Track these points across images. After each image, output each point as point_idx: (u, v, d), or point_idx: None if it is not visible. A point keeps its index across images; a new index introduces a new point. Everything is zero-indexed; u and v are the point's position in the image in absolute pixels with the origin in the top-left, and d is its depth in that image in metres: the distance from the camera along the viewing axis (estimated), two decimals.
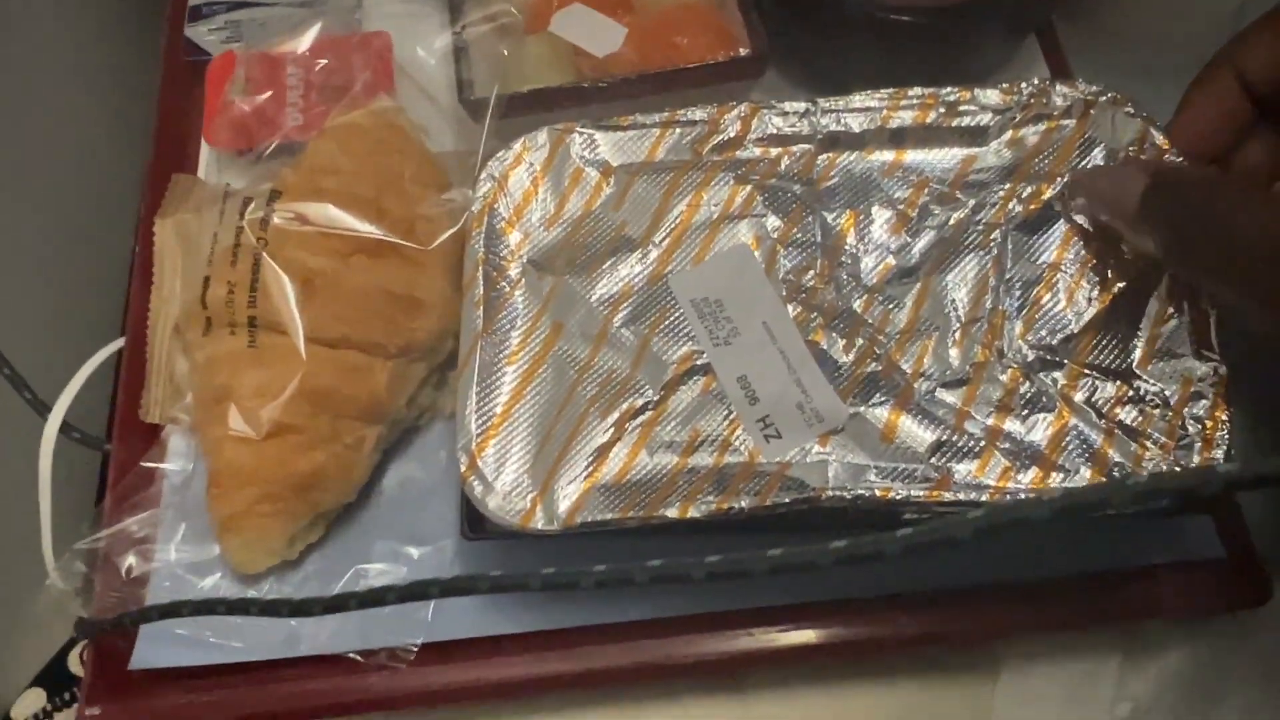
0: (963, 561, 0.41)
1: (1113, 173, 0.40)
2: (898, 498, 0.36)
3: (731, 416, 0.39)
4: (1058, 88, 0.43)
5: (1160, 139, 0.41)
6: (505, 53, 0.48)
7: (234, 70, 0.50)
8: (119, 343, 0.47)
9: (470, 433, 0.38)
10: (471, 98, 0.48)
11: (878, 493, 0.36)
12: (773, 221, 0.43)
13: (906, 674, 0.42)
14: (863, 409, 0.39)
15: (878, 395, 0.39)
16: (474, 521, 0.40)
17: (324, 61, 0.50)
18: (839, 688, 0.42)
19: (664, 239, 0.43)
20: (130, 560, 0.42)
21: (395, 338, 0.42)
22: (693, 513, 0.36)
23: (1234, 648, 0.42)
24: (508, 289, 0.42)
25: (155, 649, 0.41)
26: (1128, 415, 0.38)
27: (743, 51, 0.50)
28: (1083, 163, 0.42)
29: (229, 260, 0.42)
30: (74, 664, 0.53)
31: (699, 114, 0.45)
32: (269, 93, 0.49)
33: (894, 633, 0.40)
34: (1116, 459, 0.37)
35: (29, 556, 0.43)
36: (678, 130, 0.45)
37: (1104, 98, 0.43)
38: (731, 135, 0.45)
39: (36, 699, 0.51)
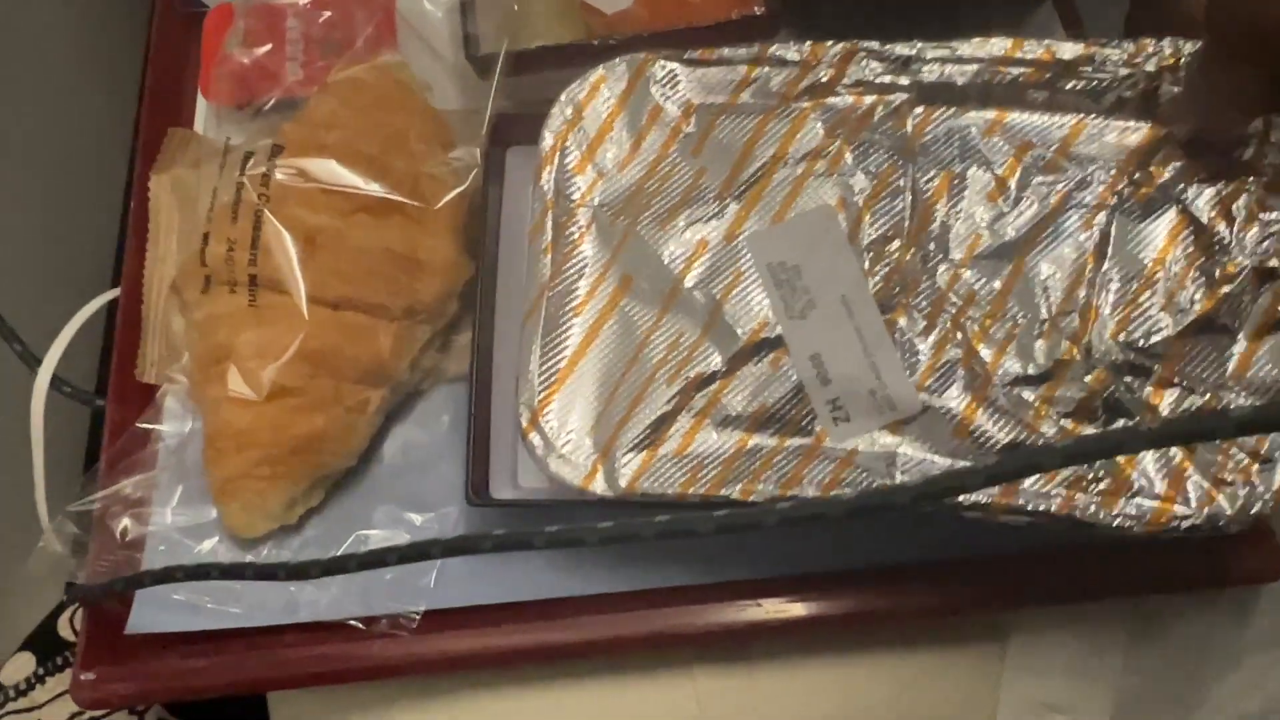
0: (972, 532, 0.40)
1: None
2: (964, 501, 0.34)
3: (800, 396, 0.37)
4: (1193, 46, 0.39)
5: None
6: (516, 8, 0.46)
7: (233, 22, 0.49)
8: (111, 294, 0.46)
9: (534, 387, 0.37)
10: (477, 54, 0.47)
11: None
12: (860, 182, 0.40)
13: (915, 644, 0.42)
14: (937, 400, 0.37)
15: (954, 386, 0.37)
16: (479, 487, 0.40)
17: (325, 14, 0.49)
18: (847, 658, 0.41)
19: (744, 192, 0.40)
20: (125, 523, 0.41)
21: (398, 299, 0.41)
22: (755, 496, 0.35)
23: (1243, 621, 0.42)
24: (577, 235, 0.40)
25: (152, 613, 0.40)
26: None
27: (756, 10, 0.49)
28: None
29: (229, 217, 0.41)
30: (64, 629, 0.52)
31: (791, 52, 0.41)
32: (269, 45, 0.48)
33: (903, 603, 0.40)
34: (1193, 476, 0.35)
35: (15, 515, 0.42)
36: (767, 69, 0.42)
37: None
38: (824, 79, 0.41)
39: (26, 663, 0.50)
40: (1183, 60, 0.39)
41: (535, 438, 0.37)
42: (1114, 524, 0.34)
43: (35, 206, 0.55)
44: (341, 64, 0.45)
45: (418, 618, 0.39)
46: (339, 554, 0.37)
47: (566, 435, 0.37)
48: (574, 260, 0.40)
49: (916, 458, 0.36)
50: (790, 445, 0.37)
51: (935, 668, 0.42)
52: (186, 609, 0.40)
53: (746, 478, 0.36)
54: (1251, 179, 0.38)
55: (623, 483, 0.36)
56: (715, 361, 0.38)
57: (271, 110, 0.46)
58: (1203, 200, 0.38)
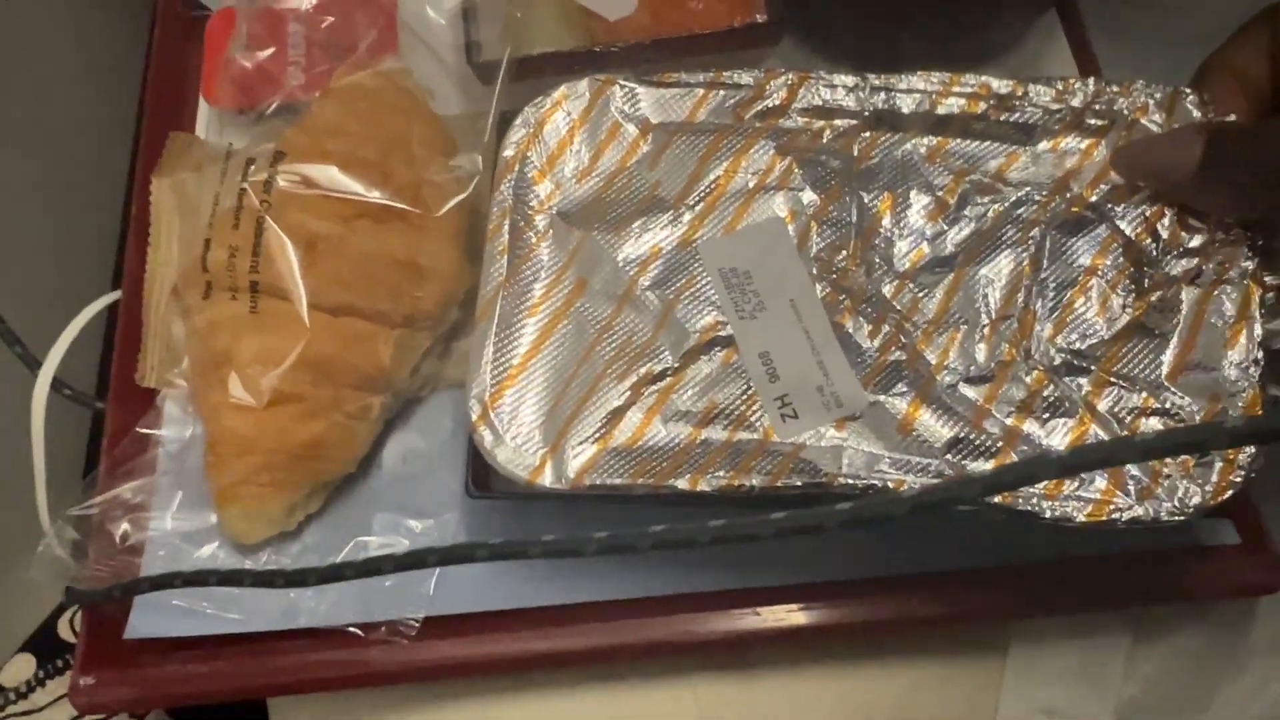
0: (973, 543, 0.41)
1: (1165, 139, 0.39)
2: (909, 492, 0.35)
3: (750, 392, 0.38)
4: (1112, 89, 0.42)
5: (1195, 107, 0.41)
6: (519, 15, 0.46)
7: (235, 26, 0.49)
8: (112, 296, 0.46)
9: (485, 382, 0.38)
10: (480, 60, 0.47)
11: (890, 484, 0.36)
12: (809, 196, 0.42)
13: (915, 653, 0.42)
14: (883, 398, 0.38)
15: (899, 385, 0.38)
16: (479, 479, 0.40)
17: (328, 19, 0.48)
18: (846, 667, 0.41)
19: (697, 203, 0.42)
20: (124, 527, 0.41)
21: (399, 306, 0.41)
22: (703, 486, 0.36)
23: (1243, 630, 0.42)
24: (534, 240, 0.41)
25: (151, 618, 0.40)
26: (1150, 428, 0.37)
27: (759, 18, 0.49)
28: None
29: (231, 223, 0.41)
30: (64, 630, 0.52)
31: (745, 77, 0.44)
32: (271, 49, 0.48)
33: (903, 614, 0.40)
34: (1134, 471, 0.36)
35: (15, 516, 0.42)
36: (721, 92, 0.44)
37: (1156, 96, 0.42)
38: (776, 102, 0.43)
39: (26, 665, 0.50)
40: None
41: (485, 431, 0.37)
42: (1055, 515, 0.35)
43: (36, 209, 0.55)
44: (344, 69, 0.45)
45: (417, 625, 0.39)
46: (336, 562, 0.37)
47: (516, 429, 0.37)
48: (530, 263, 0.41)
49: (863, 451, 0.37)
50: (739, 440, 0.37)
51: (936, 676, 0.42)
52: (185, 614, 0.40)
53: (694, 469, 0.36)
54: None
55: (571, 474, 0.36)
56: (667, 359, 0.39)
57: (273, 115, 0.46)
58: (1130, 218, 0.41)
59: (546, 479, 0.36)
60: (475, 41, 0.47)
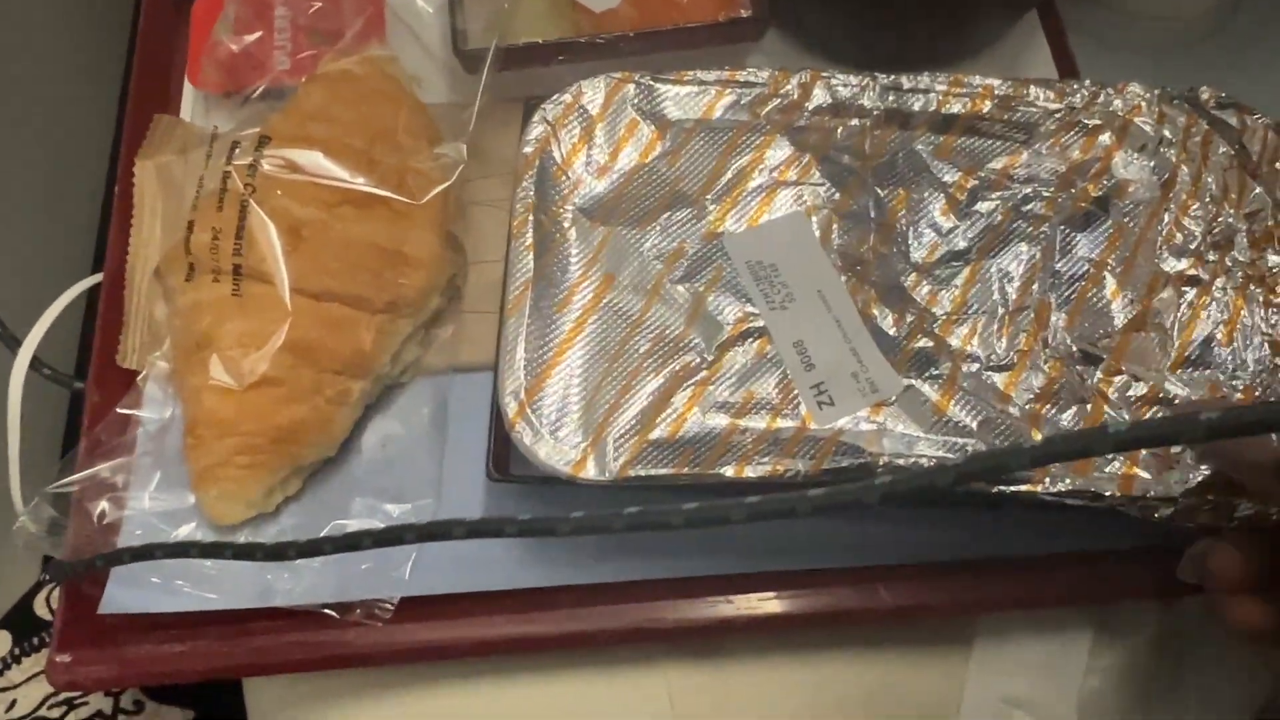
0: (942, 536, 0.41)
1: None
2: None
3: (786, 380, 0.39)
4: (1109, 91, 0.45)
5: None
6: (506, 4, 0.47)
7: (222, 9, 0.49)
8: (94, 279, 0.46)
9: (520, 378, 0.38)
10: (466, 48, 0.47)
11: (932, 464, 0.36)
12: (829, 191, 0.43)
13: (883, 646, 0.42)
14: (915, 382, 0.39)
15: (930, 370, 0.40)
16: (500, 462, 0.40)
17: (315, 4, 0.49)
18: (816, 657, 0.42)
19: (719, 198, 0.43)
20: (102, 506, 0.41)
21: (382, 292, 0.41)
22: (749, 473, 0.36)
23: (1202, 623, 0.43)
24: (558, 236, 0.42)
25: (126, 593, 0.40)
26: (1154, 415, 0.39)
27: (744, 13, 0.49)
28: (1127, 164, 0.44)
29: (215, 205, 0.41)
30: (40, 608, 0.52)
31: (759, 75, 0.45)
32: (258, 33, 0.48)
33: (872, 604, 0.40)
34: (1143, 454, 0.37)
35: None
36: (736, 90, 0.45)
37: (1147, 98, 0.44)
38: (790, 100, 0.45)
39: (2, 642, 0.50)
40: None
41: (523, 427, 0.38)
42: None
43: (19, 190, 0.55)
44: (331, 55, 0.45)
45: (392, 606, 0.40)
46: (316, 537, 0.37)
47: (555, 424, 0.38)
48: (557, 259, 0.41)
49: (901, 434, 0.38)
50: (778, 428, 0.38)
51: (902, 668, 0.42)
52: (161, 591, 0.40)
53: (738, 458, 0.37)
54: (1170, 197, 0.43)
55: (616, 468, 0.37)
56: (702, 351, 0.40)
57: (259, 99, 0.46)
58: (1133, 215, 0.43)
59: (590, 472, 0.37)
60: (461, 30, 0.48)
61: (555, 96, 0.44)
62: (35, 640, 0.50)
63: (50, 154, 0.57)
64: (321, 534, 0.41)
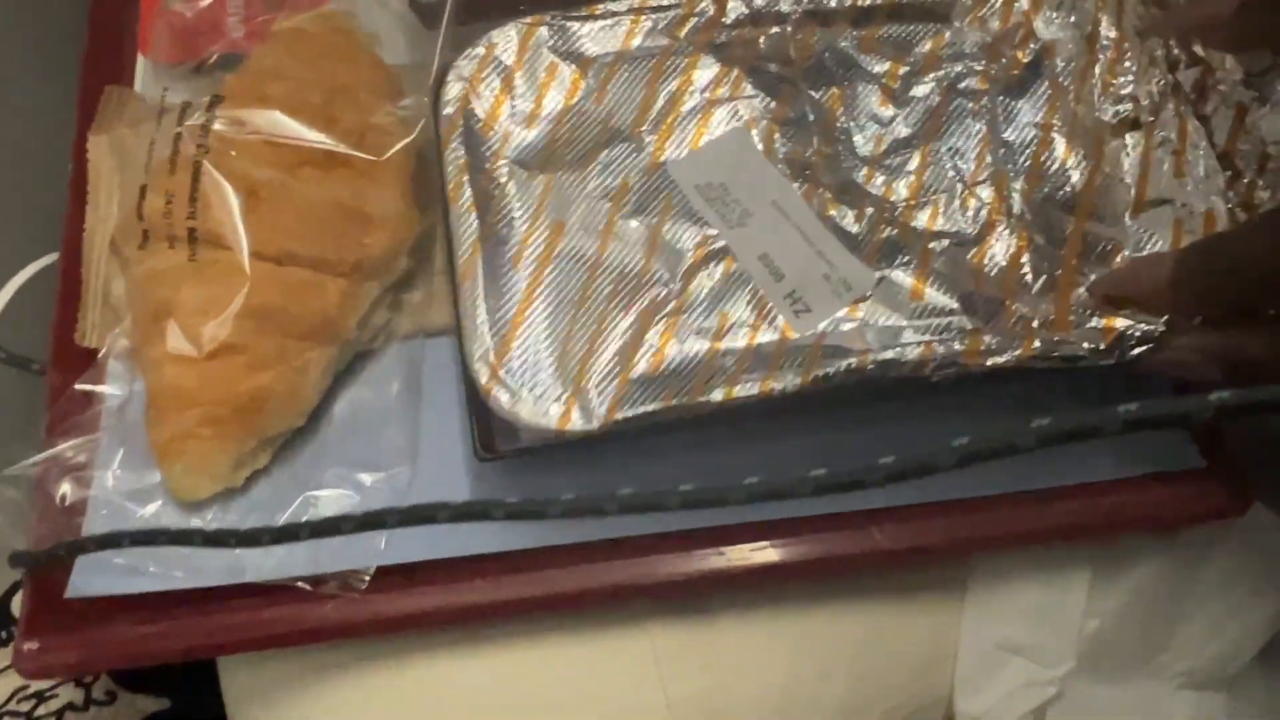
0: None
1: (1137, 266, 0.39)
2: (940, 353, 0.36)
3: (759, 296, 0.38)
4: None
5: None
6: None
7: None
8: (48, 258, 0.44)
9: (486, 343, 0.37)
10: (422, 1, 0.46)
11: (919, 352, 0.36)
12: (764, 102, 0.43)
13: (873, 595, 0.41)
14: (888, 272, 0.39)
15: (900, 257, 0.39)
16: (486, 439, 0.39)
17: None
18: (805, 609, 0.41)
19: (655, 127, 0.42)
20: (65, 488, 0.39)
21: (346, 254, 0.40)
22: (739, 393, 0.36)
23: (1203, 559, 0.42)
24: (497, 193, 0.40)
25: (91, 577, 0.39)
26: (1124, 261, 0.39)
27: None
28: (1049, 24, 0.44)
29: (167, 170, 0.40)
30: (17, 606, 0.51)
31: (670, 1, 0.44)
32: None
33: (863, 548, 0.39)
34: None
35: None
36: (651, 16, 0.44)
37: None
38: (708, 17, 0.44)
39: None
40: None
41: (499, 391, 0.37)
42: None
43: None
44: (285, 13, 0.44)
45: (368, 578, 0.39)
46: (291, 522, 0.36)
47: (531, 383, 0.37)
48: (501, 215, 0.40)
49: (883, 326, 0.38)
50: (760, 343, 0.37)
51: (894, 617, 0.41)
52: (127, 572, 0.38)
53: (725, 381, 0.36)
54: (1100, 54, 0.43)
55: (603, 412, 0.36)
56: (668, 282, 0.39)
57: (214, 66, 0.45)
58: (1064, 72, 0.43)
59: (576, 423, 0.36)
60: None
61: (467, 51, 0.43)
62: (4, 634, 0.49)
63: (9, 136, 0.56)
64: (292, 507, 0.40)
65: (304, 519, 0.39)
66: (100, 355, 0.42)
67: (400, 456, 0.41)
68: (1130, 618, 0.41)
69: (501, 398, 0.36)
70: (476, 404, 0.39)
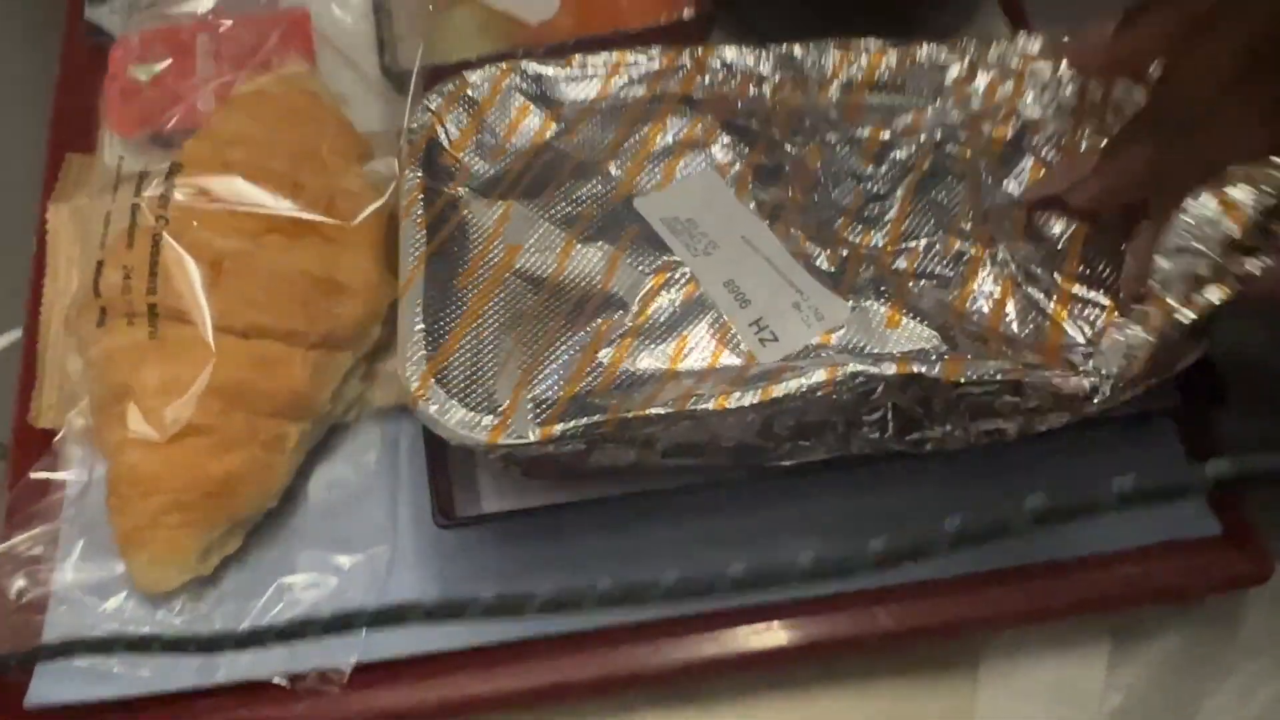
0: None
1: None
2: (918, 370, 0.33)
3: (722, 321, 0.36)
4: (1001, 43, 0.44)
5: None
6: (433, 13, 0.44)
7: (138, 50, 0.46)
8: (13, 335, 0.42)
9: (420, 351, 0.34)
10: (395, 69, 0.44)
11: (895, 367, 0.32)
12: (740, 149, 0.41)
13: (880, 677, 0.39)
14: (864, 303, 0.36)
15: (878, 288, 0.37)
16: (446, 508, 0.36)
17: (231, 30, 0.46)
18: (807, 694, 0.38)
19: (624, 164, 0.41)
20: (20, 583, 0.37)
21: (315, 324, 0.38)
22: (692, 406, 0.32)
23: (1230, 627, 0.40)
24: (452, 214, 0.39)
25: (53, 684, 0.36)
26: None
27: (687, 13, 0.47)
28: (1032, 105, 0.43)
29: (124, 242, 0.38)
30: None
31: (648, 57, 0.43)
32: (169, 61, 0.45)
33: (866, 630, 0.37)
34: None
35: None
36: (628, 71, 0.43)
37: (1036, 46, 0.43)
38: (685, 74, 0.43)
39: None
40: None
41: (428, 401, 0.34)
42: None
43: None
44: (246, 74, 0.42)
45: (347, 672, 0.36)
46: (254, 626, 0.34)
47: (466, 394, 0.34)
48: (455, 232, 0.38)
49: (859, 352, 0.35)
50: (721, 367, 0.35)
51: (903, 700, 0.38)
52: (92, 675, 0.36)
53: (680, 394, 0.33)
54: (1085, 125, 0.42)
55: (539, 424, 0.33)
56: (626, 304, 0.37)
57: (176, 131, 0.43)
58: (1046, 151, 0.42)
59: (511, 435, 0.33)
60: (389, 40, 0.46)
61: (438, 87, 0.41)
62: None
63: None
64: (266, 594, 0.38)
65: (278, 608, 0.37)
66: (56, 439, 0.40)
67: (379, 534, 0.39)
68: (1154, 689, 0.38)
69: (430, 407, 0.33)
70: (436, 465, 0.37)
